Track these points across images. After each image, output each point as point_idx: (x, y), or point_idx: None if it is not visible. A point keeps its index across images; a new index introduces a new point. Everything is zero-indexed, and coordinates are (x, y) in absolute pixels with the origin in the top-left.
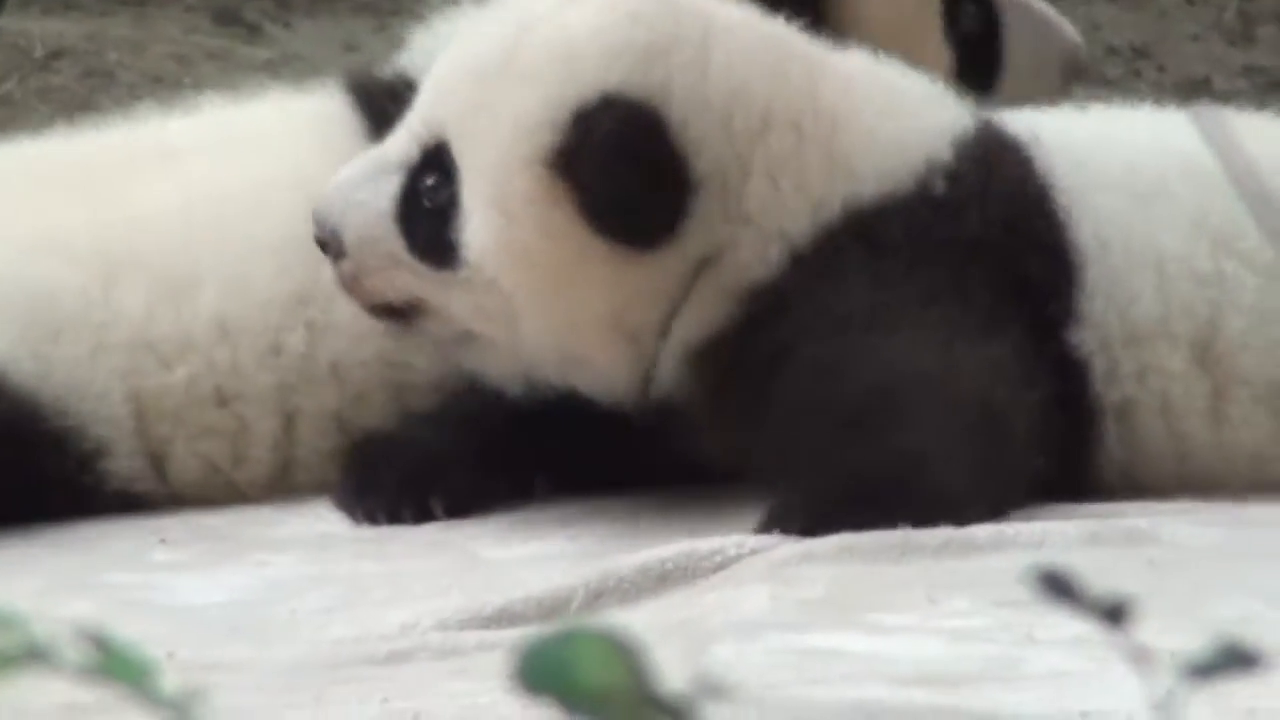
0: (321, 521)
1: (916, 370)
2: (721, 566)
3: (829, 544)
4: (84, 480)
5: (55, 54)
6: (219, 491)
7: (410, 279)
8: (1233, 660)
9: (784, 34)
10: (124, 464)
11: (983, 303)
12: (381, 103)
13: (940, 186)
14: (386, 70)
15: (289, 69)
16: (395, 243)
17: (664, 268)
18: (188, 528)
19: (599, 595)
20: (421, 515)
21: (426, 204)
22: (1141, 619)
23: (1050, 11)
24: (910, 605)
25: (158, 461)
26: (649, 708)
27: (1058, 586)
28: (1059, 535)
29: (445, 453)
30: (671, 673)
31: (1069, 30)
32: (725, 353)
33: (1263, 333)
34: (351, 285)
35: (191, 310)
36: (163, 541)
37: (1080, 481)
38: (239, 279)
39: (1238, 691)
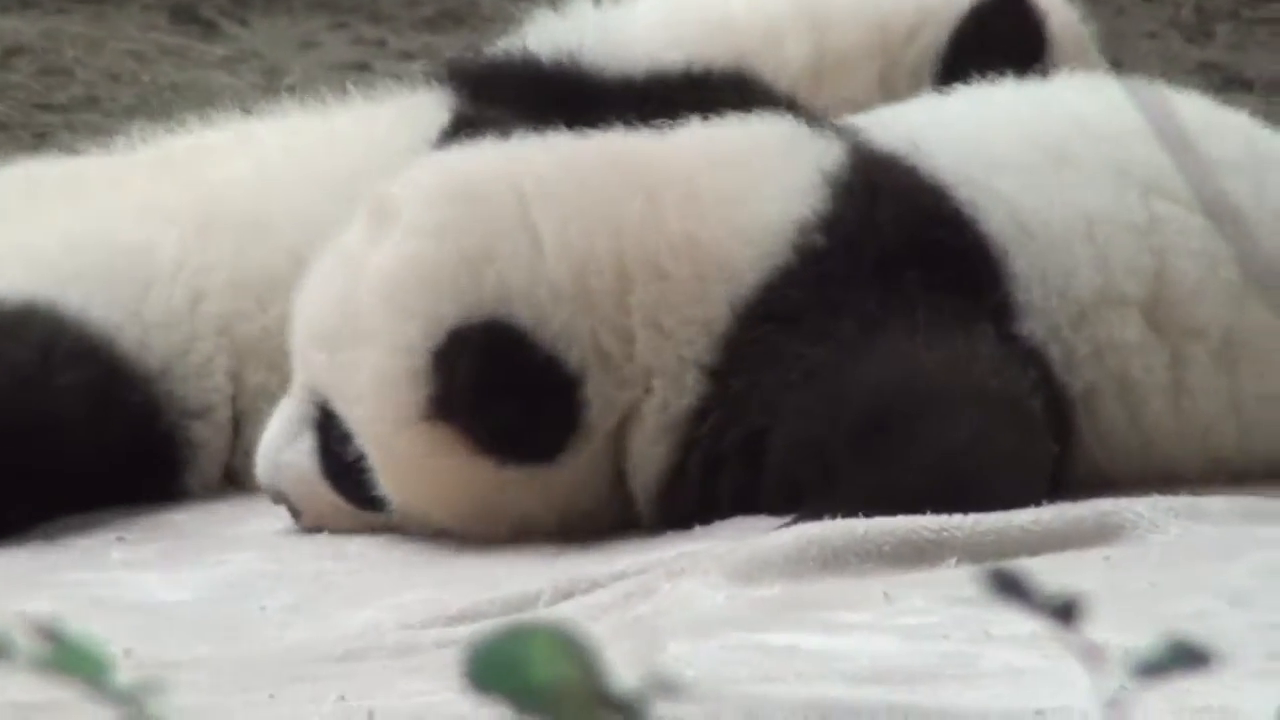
0: (280, 519)
1: (932, 361)
2: (684, 570)
3: (785, 542)
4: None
5: (12, 51)
6: None
7: (364, 517)
8: (1184, 658)
9: (604, 160)
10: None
11: (945, 309)
12: (480, 78)
13: (820, 241)
14: (495, 49)
15: (246, 66)
16: (330, 496)
17: (579, 458)
18: (145, 526)
19: (568, 595)
20: None
21: (341, 454)
22: (1097, 617)
23: None
24: (866, 603)
25: (238, 422)
26: (601, 704)
27: (1009, 585)
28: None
29: None
30: (626, 670)
31: None
32: (690, 473)
33: (1215, 276)
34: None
35: (272, 249)
36: (121, 540)
37: (1056, 478)
38: (312, 216)
39: (1194, 689)
